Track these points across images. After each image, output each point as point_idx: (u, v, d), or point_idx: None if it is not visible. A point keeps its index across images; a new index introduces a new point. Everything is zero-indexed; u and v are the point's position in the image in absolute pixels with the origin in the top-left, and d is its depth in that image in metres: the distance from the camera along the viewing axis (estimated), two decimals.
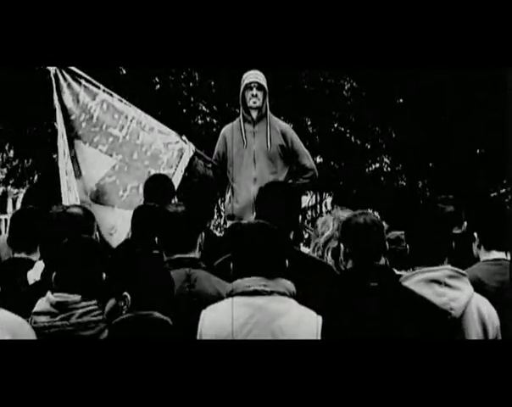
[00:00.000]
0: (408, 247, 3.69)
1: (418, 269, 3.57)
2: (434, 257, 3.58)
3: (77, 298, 3.19)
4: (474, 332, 3.52)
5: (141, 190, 5.96)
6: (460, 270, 3.58)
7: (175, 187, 6.21)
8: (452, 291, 3.51)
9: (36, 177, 11.61)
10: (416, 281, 3.53)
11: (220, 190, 6.82)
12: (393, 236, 4.38)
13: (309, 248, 4.92)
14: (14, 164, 12.13)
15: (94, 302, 3.22)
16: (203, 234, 3.87)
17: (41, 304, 3.23)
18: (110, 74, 7.48)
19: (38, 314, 3.21)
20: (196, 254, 3.80)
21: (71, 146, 6.27)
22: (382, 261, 3.46)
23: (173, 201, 5.54)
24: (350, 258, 3.41)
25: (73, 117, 6.30)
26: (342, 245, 3.52)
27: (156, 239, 3.94)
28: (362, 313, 3.27)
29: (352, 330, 3.24)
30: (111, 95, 6.48)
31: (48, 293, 3.24)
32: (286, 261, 3.39)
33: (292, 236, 3.97)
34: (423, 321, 3.29)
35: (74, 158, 6.28)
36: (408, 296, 3.41)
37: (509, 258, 4.12)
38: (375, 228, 3.41)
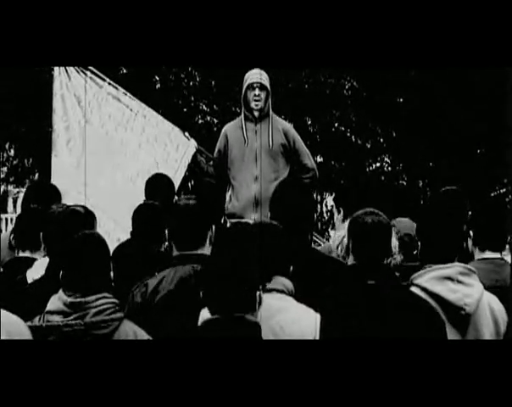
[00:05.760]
0: (419, 244, 3.69)
1: (427, 266, 3.57)
2: (446, 254, 3.59)
3: (90, 297, 3.16)
4: (486, 328, 3.54)
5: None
6: (471, 267, 3.59)
7: (179, 182, 6.26)
8: (465, 287, 3.52)
9: (36, 176, 11.63)
10: (429, 278, 3.53)
11: (221, 188, 6.84)
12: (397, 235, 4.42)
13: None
14: (15, 163, 12.14)
15: (108, 300, 3.19)
16: (214, 228, 3.81)
17: (54, 303, 3.19)
18: (111, 72, 7.49)
19: (51, 313, 3.17)
20: (206, 250, 3.75)
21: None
22: (386, 262, 3.46)
23: (181, 196, 5.57)
24: (352, 254, 3.42)
25: (82, 104, 6.41)
26: (345, 240, 3.53)
27: (166, 233, 3.90)
28: (358, 310, 3.27)
29: (349, 328, 3.24)
30: (116, 88, 6.56)
31: (60, 292, 3.21)
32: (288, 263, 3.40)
33: (310, 237, 3.97)
34: (419, 322, 3.29)
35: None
36: (405, 296, 3.41)
37: (507, 258, 4.14)
38: (381, 229, 3.40)
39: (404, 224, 4.65)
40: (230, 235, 3.14)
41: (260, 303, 2.96)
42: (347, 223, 4.94)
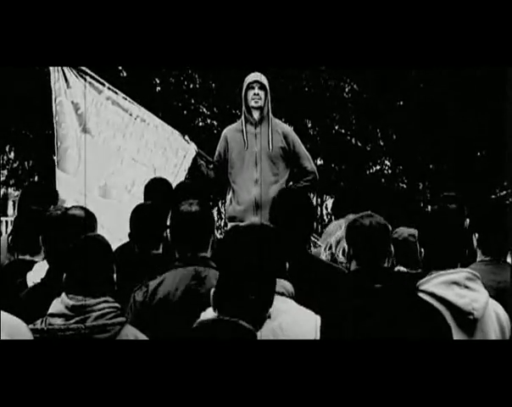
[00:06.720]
0: (422, 250, 3.68)
1: (434, 272, 3.57)
2: (449, 260, 3.58)
3: (92, 301, 3.15)
4: (493, 333, 3.54)
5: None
6: (475, 273, 3.59)
7: None
8: (471, 292, 3.52)
9: (36, 179, 11.64)
10: (436, 283, 3.52)
11: (222, 191, 6.85)
12: (401, 237, 4.43)
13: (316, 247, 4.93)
14: (15, 165, 12.15)
15: (109, 304, 3.18)
16: (215, 232, 3.83)
17: (56, 306, 3.18)
18: (111, 75, 7.49)
19: (53, 316, 3.16)
20: (207, 253, 3.77)
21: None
22: (387, 264, 3.46)
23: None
24: (354, 259, 3.42)
25: (80, 111, 6.39)
26: (346, 246, 3.52)
27: (168, 236, 3.90)
28: (365, 314, 3.27)
29: (354, 331, 3.24)
30: (116, 93, 6.55)
31: (63, 295, 3.19)
32: (287, 264, 3.39)
33: (307, 244, 3.99)
34: (426, 325, 3.29)
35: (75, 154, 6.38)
36: (412, 298, 3.41)
37: (508, 260, 4.14)
38: (380, 231, 3.40)
39: (406, 228, 4.64)
40: (255, 235, 3.11)
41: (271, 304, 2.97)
42: (331, 226, 4.94)
